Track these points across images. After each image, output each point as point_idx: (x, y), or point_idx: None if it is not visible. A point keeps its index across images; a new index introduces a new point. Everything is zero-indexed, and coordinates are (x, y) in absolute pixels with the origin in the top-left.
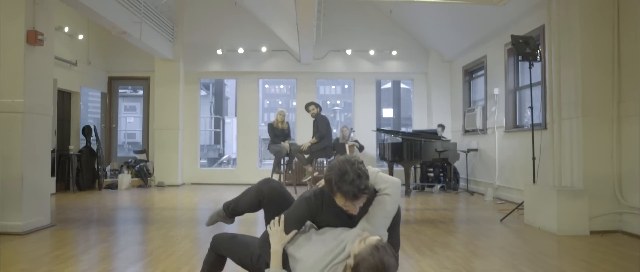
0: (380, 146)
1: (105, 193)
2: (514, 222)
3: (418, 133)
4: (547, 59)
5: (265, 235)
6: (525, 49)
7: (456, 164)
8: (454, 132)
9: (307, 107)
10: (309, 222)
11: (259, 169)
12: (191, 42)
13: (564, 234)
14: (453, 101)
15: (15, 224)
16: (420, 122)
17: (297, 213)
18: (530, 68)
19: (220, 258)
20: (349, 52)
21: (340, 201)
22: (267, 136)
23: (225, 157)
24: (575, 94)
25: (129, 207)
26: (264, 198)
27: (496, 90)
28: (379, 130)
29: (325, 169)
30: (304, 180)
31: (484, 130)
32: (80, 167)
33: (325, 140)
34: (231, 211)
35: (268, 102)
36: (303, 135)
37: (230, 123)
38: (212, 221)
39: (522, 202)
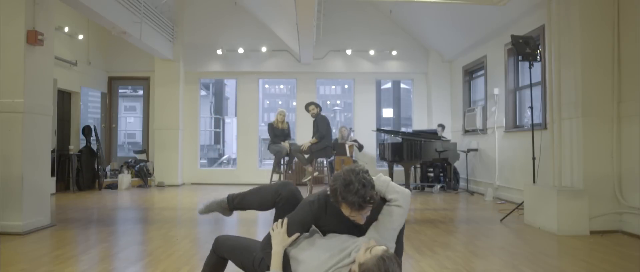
0: (380, 146)
1: (105, 193)
2: (514, 222)
3: (418, 133)
4: (547, 59)
5: (269, 237)
6: (525, 49)
7: (456, 164)
8: (454, 132)
9: (307, 107)
10: (314, 228)
11: (259, 169)
12: (191, 42)
13: (564, 234)
14: (453, 101)
15: (15, 224)
16: (420, 122)
17: (300, 217)
18: (530, 68)
19: (222, 260)
20: (349, 52)
21: (346, 210)
22: (267, 136)
23: (225, 157)
24: (575, 94)
25: (129, 207)
26: (281, 200)
27: (496, 90)
28: (379, 130)
29: (325, 169)
30: (304, 180)
31: (484, 130)
32: (80, 167)
33: (325, 140)
34: (235, 205)
35: (268, 102)
36: (303, 135)
37: (230, 123)
38: (208, 210)
39: (522, 202)
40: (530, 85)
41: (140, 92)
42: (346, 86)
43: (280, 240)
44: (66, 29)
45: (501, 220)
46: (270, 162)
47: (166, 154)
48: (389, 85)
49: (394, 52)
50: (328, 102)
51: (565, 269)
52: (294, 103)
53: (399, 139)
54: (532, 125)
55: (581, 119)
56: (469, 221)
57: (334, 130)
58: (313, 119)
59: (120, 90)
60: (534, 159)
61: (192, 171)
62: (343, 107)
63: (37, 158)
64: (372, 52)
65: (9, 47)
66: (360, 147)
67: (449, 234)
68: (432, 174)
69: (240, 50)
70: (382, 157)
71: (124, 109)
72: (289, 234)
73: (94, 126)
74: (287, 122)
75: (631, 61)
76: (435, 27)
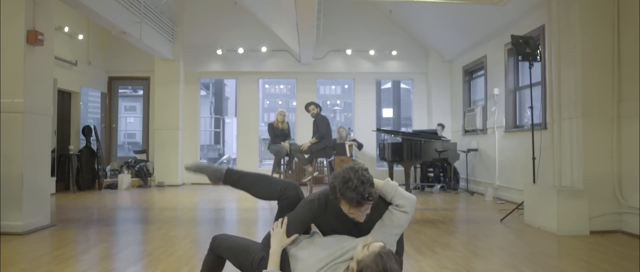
0: (380, 145)
1: (105, 193)
2: (514, 222)
3: (418, 133)
4: (547, 59)
5: (269, 236)
6: (525, 49)
7: (456, 164)
8: (454, 132)
9: (307, 107)
10: (315, 230)
11: (259, 168)
12: (191, 42)
13: (564, 234)
14: (453, 101)
15: (15, 224)
16: (420, 122)
17: (300, 215)
18: (530, 68)
19: (220, 259)
20: (349, 52)
21: (345, 207)
22: (267, 135)
23: (225, 157)
24: (575, 94)
25: (129, 207)
26: (285, 200)
27: (496, 90)
28: (379, 130)
29: (325, 169)
30: (304, 180)
31: (484, 131)
32: (80, 167)
33: (325, 140)
34: (232, 181)
35: (268, 102)
36: (303, 135)
37: (230, 123)
38: (198, 169)
39: (522, 202)
40: (530, 85)
41: (140, 92)
42: (346, 86)
43: (279, 240)
44: (66, 29)
45: (501, 220)
46: (270, 162)
47: (166, 154)
48: (389, 85)
49: (394, 52)
50: (328, 102)
51: (565, 269)
52: (294, 103)
53: (399, 139)
54: (532, 125)
55: (581, 119)
56: (469, 221)
57: (333, 129)
58: (313, 119)
59: (120, 90)
60: (534, 159)
61: None
62: (343, 107)
63: (37, 158)
64: (372, 52)
65: (9, 47)
66: (360, 146)
67: (449, 234)
68: (432, 174)
69: (240, 50)
70: (382, 157)
71: (124, 109)
72: (289, 234)
73: (94, 126)
74: (287, 122)
75: (631, 61)
76: (435, 27)
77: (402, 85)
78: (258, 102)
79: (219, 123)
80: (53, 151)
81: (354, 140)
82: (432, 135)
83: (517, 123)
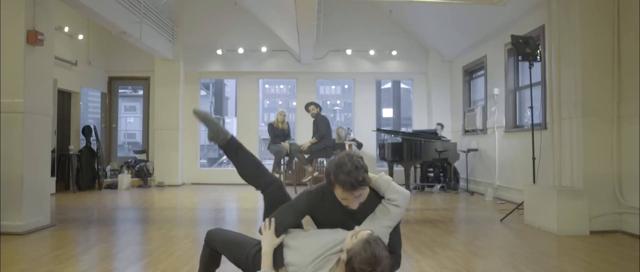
0: (380, 145)
1: (105, 193)
2: (514, 222)
3: (418, 133)
4: (547, 59)
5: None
6: (525, 49)
7: (456, 164)
8: (454, 132)
9: (307, 107)
10: (310, 223)
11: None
12: (191, 42)
13: (564, 234)
14: (453, 101)
15: (15, 224)
16: (420, 122)
17: (298, 205)
18: (530, 68)
19: (215, 253)
20: (349, 52)
21: (338, 192)
22: (267, 136)
23: (225, 157)
24: (575, 94)
25: (129, 207)
26: (269, 194)
27: (496, 90)
28: (379, 130)
29: (325, 168)
30: (304, 180)
31: (484, 130)
32: (80, 167)
33: (325, 140)
34: (231, 149)
35: (268, 102)
36: (303, 135)
37: (230, 123)
38: (205, 119)
39: (522, 202)
40: (530, 85)
41: (140, 92)
42: (346, 86)
43: (269, 240)
44: (66, 29)
45: (501, 220)
46: (270, 162)
47: (166, 154)
48: (389, 85)
49: (394, 52)
50: (328, 102)
51: (565, 269)
52: (294, 103)
53: (399, 139)
54: (532, 125)
55: (581, 119)
56: (469, 221)
57: (333, 129)
58: (313, 119)
59: (120, 90)
60: (534, 159)
61: (192, 171)
62: (343, 107)
63: (37, 158)
64: (372, 52)
65: (9, 47)
66: (360, 146)
67: (449, 234)
68: (432, 174)
69: (240, 50)
70: (382, 157)
71: (124, 109)
72: (283, 224)
73: (94, 126)
74: (287, 122)
75: (631, 61)
76: (435, 27)
77: (402, 85)
78: (258, 102)
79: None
80: (53, 151)
81: (354, 139)
82: (432, 135)
83: (517, 123)
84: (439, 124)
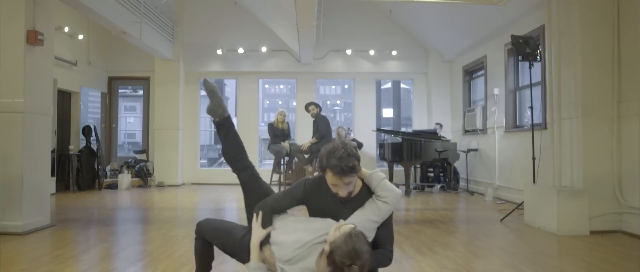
0: (380, 146)
1: (105, 193)
2: (514, 222)
3: (418, 133)
4: (547, 59)
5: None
6: (525, 49)
7: (456, 164)
8: (454, 132)
9: (307, 107)
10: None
11: (259, 168)
12: (191, 42)
13: (564, 234)
14: (453, 101)
15: (15, 224)
16: (420, 122)
17: (294, 192)
18: (530, 68)
19: (208, 244)
20: (349, 52)
21: (329, 177)
22: (267, 135)
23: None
24: (575, 94)
25: (129, 207)
26: (242, 174)
27: (496, 90)
28: (379, 130)
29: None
30: None
31: (484, 130)
32: (80, 167)
33: (325, 140)
34: (224, 126)
35: (268, 102)
36: (303, 135)
37: None
38: (213, 94)
39: (522, 202)
40: (530, 85)
41: (140, 92)
42: (346, 86)
43: (256, 232)
44: (66, 29)
45: (501, 220)
46: (270, 162)
47: (166, 154)
48: (389, 85)
49: (394, 52)
50: (328, 102)
51: (565, 269)
52: (294, 103)
53: (399, 139)
54: (532, 125)
55: (581, 119)
56: (469, 221)
57: (332, 129)
58: (313, 119)
59: (120, 90)
60: (534, 159)
61: (192, 171)
62: (343, 107)
63: (37, 158)
64: (372, 52)
65: (9, 47)
66: (360, 146)
67: (449, 234)
68: (432, 174)
69: (240, 50)
70: (382, 157)
71: (124, 109)
72: (276, 210)
73: (94, 126)
74: (287, 122)
75: (631, 61)
76: (435, 27)
77: (402, 85)
78: (258, 102)
79: None
80: (53, 151)
81: (354, 139)
82: (432, 135)
83: (517, 123)
84: (437, 123)
